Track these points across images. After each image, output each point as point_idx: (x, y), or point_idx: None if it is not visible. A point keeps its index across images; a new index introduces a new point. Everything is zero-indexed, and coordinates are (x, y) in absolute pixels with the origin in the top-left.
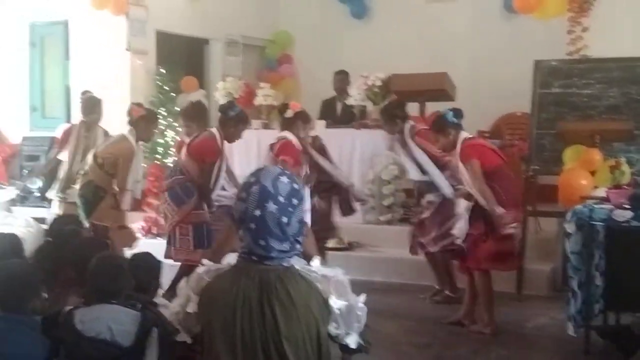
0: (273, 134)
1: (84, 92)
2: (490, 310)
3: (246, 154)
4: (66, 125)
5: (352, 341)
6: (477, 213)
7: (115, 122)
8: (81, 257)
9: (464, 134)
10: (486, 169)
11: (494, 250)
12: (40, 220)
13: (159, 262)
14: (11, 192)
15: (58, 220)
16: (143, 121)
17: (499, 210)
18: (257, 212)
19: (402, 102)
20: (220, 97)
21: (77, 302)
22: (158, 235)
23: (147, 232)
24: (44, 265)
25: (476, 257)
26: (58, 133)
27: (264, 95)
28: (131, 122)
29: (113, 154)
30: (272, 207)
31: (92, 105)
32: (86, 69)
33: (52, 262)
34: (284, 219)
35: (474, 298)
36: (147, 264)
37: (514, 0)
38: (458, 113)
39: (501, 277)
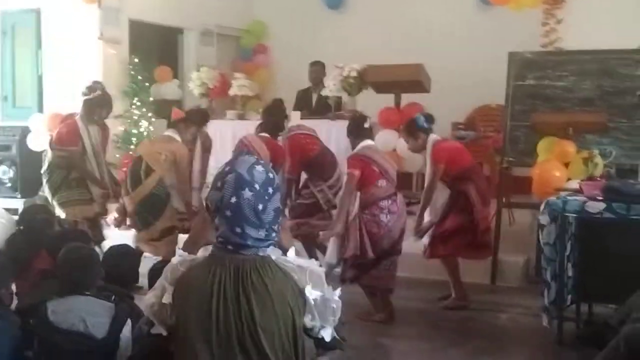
0: (248, 125)
1: (95, 87)
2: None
3: (221, 145)
4: (66, 119)
5: (327, 334)
6: (460, 206)
7: None
8: (60, 246)
9: (433, 137)
10: (456, 171)
11: (474, 241)
12: (12, 212)
13: (137, 254)
14: None
15: (29, 209)
16: (182, 124)
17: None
18: (233, 200)
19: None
20: (194, 87)
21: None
22: (132, 226)
23: (120, 224)
24: (15, 254)
25: (456, 246)
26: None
27: (239, 86)
28: (171, 124)
29: (172, 152)
30: (248, 194)
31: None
32: (58, 57)
33: (25, 251)
34: (260, 206)
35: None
36: (125, 256)
37: None
38: (429, 118)
39: (476, 268)
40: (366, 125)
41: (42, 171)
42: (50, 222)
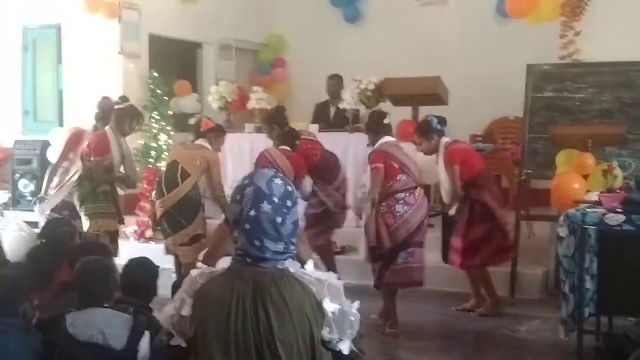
0: (266, 138)
1: (126, 98)
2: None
3: (240, 158)
4: (98, 133)
5: (345, 348)
6: (480, 215)
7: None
8: (82, 259)
9: (445, 140)
10: (470, 174)
11: (502, 246)
12: (33, 225)
13: (156, 267)
14: (3, 196)
15: (52, 222)
16: (212, 134)
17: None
18: (252, 213)
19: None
20: (213, 101)
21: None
22: (151, 239)
23: (140, 236)
24: (37, 267)
25: (486, 255)
26: (78, 139)
27: (258, 99)
28: (200, 134)
29: (206, 159)
30: (266, 207)
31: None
32: (79, 72)
33: (46, 264)
34: (279, 220)
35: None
36: (145, 269)
37: (506, 4)
38: (442, 121)
39: (495, 281)
40: (386, 121)
41: (71, 182)
42: (72, 235)
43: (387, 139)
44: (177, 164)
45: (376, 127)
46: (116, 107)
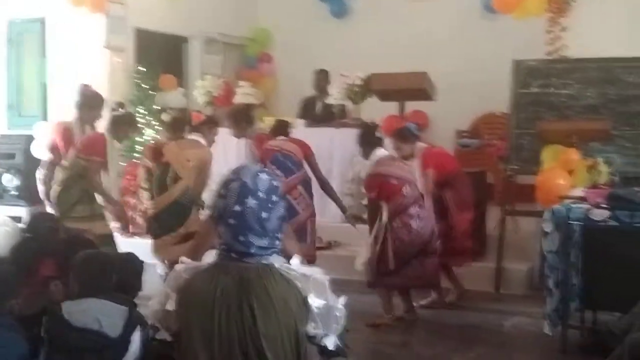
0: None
1: (122, 104)
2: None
3: (225, 153)
4: (97, 133)
5: (330, 342)
6: (437, 213)
7: None
8: (66, 253)
9: (420, 144)
10: (443, 176)
11: (452, 247)
12: (17, 219)
13: (141, 262)
14: None
15: (36, 217)
16: (205, 126)
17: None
18: (237, 208)
19: (249, 107)
20: (199, 95)
21: (58, 299)
22: (135, 234)
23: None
24: (21, 261)
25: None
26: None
27: (244, 94)
28: (194, 128)
29: (200, 159)
30: (252, 202)
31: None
32: (63, 66)
33: (30, 259)
34: (264, 215)
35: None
36: (131, 264)
37: (493, 0)
38: (418, 127)
39: (480, 276)
40: (377, 134)
41: (52, 182)
42: (56, 230)
43: (380, 152)
44: (169, 166)
45: (368, 139)
46: (113, 113)
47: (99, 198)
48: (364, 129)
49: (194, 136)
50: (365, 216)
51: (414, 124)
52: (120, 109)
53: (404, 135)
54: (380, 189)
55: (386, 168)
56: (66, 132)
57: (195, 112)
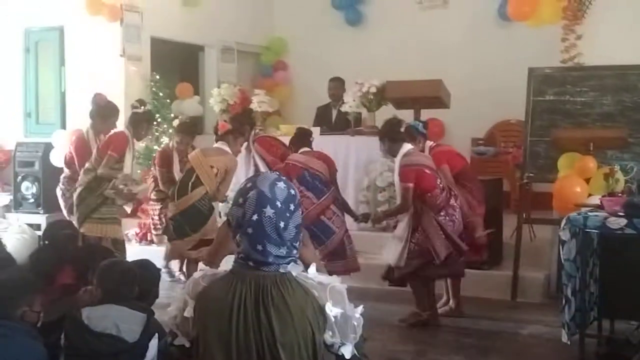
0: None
1: (144, 102)
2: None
3: (241, 161)
4: (118, 131)
5: (347, 351)
6: None
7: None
8: (85, 262)
9: (429, 143)
10: (454, 172)
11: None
12: (35, 227)
13: (158, 270)
14: (5, 198)
15: (54, 224)
16: (230, 135)
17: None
18: (255, 217)
19: (250, 110)
20: (215, 103)
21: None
22: (152, 241)
23: (142, 239)
24: (40, 269)
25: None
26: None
27: (259, 102)
28: (220, 137)
29: (224, 166)
30: (269, 211)
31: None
32: (81, 74)
33: (49, 266)
34: (281, 224)
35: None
36: (148, 272)
37: (508, 7)
38: (425, 125)
39: (496, 284)
40: (402, 129)
41: (76, 187)
42: (74, 237)
43: (408, 147)
44: (193, 171)
45: (393, 134)
46: (134, 110)
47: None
48: (389, 125)
49: (219, 145)
50: (377, 225)
51: (420, 122)
52: (141, 107)
53: (411, 134)
54: (417, 179)
55: (418, 158)
56: (79, 143)
57: (222, 121)
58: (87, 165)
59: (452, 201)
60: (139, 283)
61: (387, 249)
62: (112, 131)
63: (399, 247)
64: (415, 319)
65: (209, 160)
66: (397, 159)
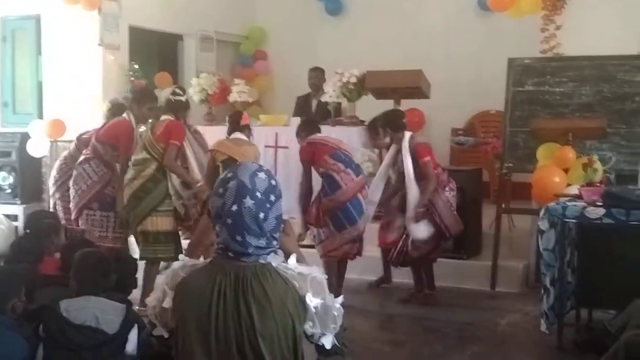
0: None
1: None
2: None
3: None
4: (173, 120)
5: (328, 342)
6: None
7: (86, 117)
8: (65, 253)
9: (407, 133)
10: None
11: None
12: (12, 218)
13: (135, 262)
14: None
15: (36, 213)
16: (247, 130)
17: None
18: (234, 208)
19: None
20: (194, 93)
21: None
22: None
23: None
24: (21, 258)
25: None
26: (120, 131)
27: (239, 92)
28: (238, 128)
29: (255, 155)
30: (249, 202)
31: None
32: (58, 64)
33: (30, 256)
34: (261, 215)
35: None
36: (125, 262)
37: None
38: (404, 115)
39: (475, 274)
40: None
41: (134, 179)
42: (56, 227)
43: (410, 133)
44: (235, 161)
45: (399, 124)
46: (176, 97)
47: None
48: (394, 115)
49: (238, 135)
50: None
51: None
52: (183, 94)
53: (398, 125)
54: (431, 154)
55: (423, 138)
56: (128, 128)
57: (244, 113)
58: (142, 154)
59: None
60: (118, 274)
61: (414, 230)
62: (162, 118)
63: (424, 225)
64: (424, 298)
65: (244, 150)
66: (405, 144)
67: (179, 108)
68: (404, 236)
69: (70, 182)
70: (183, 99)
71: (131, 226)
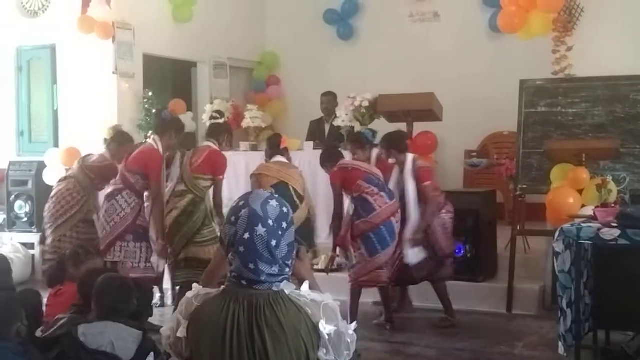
0: (261, 156)
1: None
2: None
3: (235, 176)
4: (214, 149)
5: None
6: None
7: (102, 145)
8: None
9: (410, 155)
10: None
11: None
12: (29, 246)
13: (152, 290)
14: None
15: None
16: (287, 152)
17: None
18: (247, 236)
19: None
20: (208, 119)
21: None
22: None
23: None
24: (51, 284)
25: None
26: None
27: (252, 117)
28: (279, 151)
29: (303, 177)
30: (261, 230)
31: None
32: (73, 92)
33: (58, 280)
34: (273, 242)
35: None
36: (142, 291)
37: (498, 20)
38: (375, 134)
39: (491, 296)
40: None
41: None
42: (77, 256)
43: (412, 155)
44: (287, 184)
45: (402, 146)
46: (213, 121)
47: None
48: (398, 137)
49: (280, 158)
50: None
51: (369, 131)
52: (221, 118)
53: (360, 141)
54: (432, 177)
55: (423, 161)
56: (158, 157)
57: (283, 136)
58: (177, 186)
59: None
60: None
61: (409, 254)
62: (203, 144)
63: (418, 250)
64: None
65: (292, 173)
66: (408, 167)
67: (220, 132)
68: (399, 257)
69: (101, 214)
70: (221, 121)
71: (171, 254)
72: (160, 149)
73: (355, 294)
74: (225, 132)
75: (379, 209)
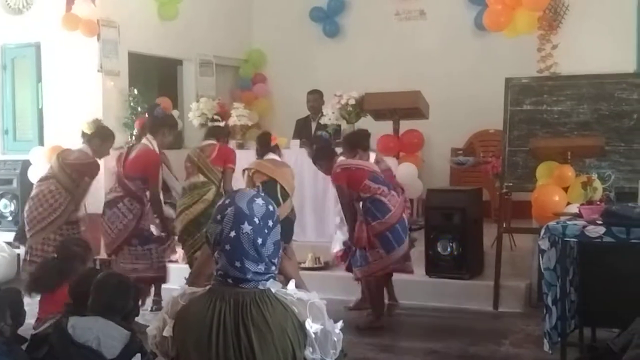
0: (247, 154)
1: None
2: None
3: None
4: (223, 145)
5: None
6: None
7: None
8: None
9: (373, 154)
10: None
11: None
12: (14, 245)
13: (135, 286)
14: None
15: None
16: (278, 149)
17: None
18: (232, 234)
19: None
20: (193, 117)
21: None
22: None
23: None
24: (44, 278)
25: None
26: (150, 159)
27: (238, 115)
28: (270, 149)
29: (294, 175)
30: (247, 228)
31: None
32: (58, 90)
33: (53, 279)
34: (259, 240)
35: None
36: (137, 289)
37: (484, 18)
38: (331, 135)
39: (477, 294)
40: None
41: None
42: (82, 257)
43: (374, 154)
44: (276, 182)
45: (363, 143)
46: (214, 124)
47: None
48: (361, 136)
49: (272, 156)
50: None
51: (327, 133)
52: (222, 121)
53: (347, 144)
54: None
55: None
56: (155, 158)
57: (272, 134)
58: (199, 178)
59: None
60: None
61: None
62: (205, 143)
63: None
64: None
65: (284, 171)
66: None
67: (220, 133)
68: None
69: (103, 222)
70: (221, 124)
71: (186, 252)
72: (156, 148)
73: (372, 285)
74: (225, 134)
75: (394, 209)
